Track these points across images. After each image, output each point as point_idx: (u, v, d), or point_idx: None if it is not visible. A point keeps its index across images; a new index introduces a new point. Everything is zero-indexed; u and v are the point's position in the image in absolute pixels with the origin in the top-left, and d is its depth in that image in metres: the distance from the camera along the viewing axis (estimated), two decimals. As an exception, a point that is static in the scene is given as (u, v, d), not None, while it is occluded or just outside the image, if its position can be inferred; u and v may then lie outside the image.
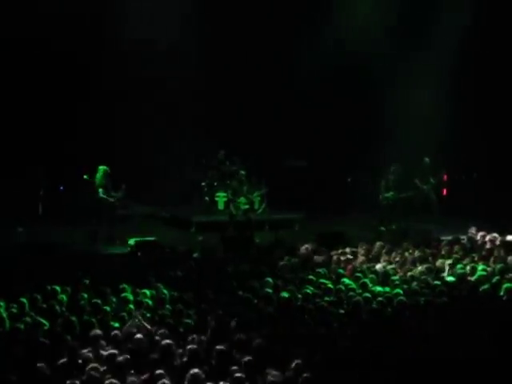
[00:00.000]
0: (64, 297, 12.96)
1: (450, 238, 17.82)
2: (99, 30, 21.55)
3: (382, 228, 19.56)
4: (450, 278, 14.47)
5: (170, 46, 22.31)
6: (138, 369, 10.20)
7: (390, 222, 20.12)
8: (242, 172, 20.79)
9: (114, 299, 13.04)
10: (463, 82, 22.92)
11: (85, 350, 10.62)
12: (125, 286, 13.47)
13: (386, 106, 23.38)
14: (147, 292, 13.35)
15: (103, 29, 21.62)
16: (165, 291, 13.37)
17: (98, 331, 11.15)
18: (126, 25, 21.63)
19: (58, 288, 13.25)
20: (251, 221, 20.18)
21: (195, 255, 16.31)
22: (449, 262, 15.43)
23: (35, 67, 21.22)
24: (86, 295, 13.07)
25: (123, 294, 13.09)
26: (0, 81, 20.99)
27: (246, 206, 20.48)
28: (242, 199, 20.46)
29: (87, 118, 21.92)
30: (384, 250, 16.40)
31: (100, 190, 18.72)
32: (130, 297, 13.02)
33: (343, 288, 13.76)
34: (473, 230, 18.16)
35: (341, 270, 14.98)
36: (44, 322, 11.63)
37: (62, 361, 10.30)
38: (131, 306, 12.55)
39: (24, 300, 12.44)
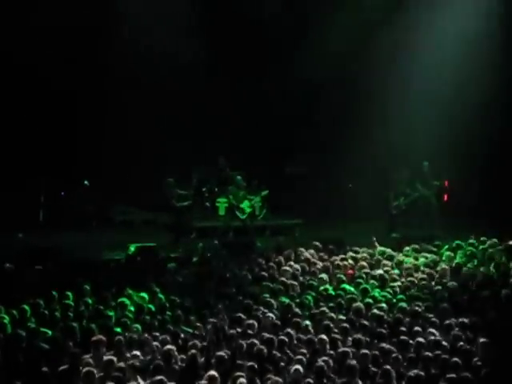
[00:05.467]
0: (66, 302, 12.95)
1: (451, 243, 17.79)
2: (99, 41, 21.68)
3: (394, 235, 19.48)
4: (452, 284, 14.43)
5: (172, 56, 22.35)
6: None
7: (396, 229, 20.06)
8: (238, 177, 20.77)
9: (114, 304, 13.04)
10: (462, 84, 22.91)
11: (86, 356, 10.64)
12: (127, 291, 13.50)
13: (384, 110, 23.38)
14: (146, 296, 13.34)
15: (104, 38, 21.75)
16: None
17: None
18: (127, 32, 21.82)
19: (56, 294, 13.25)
20: (248, 226, 20.20)
21: (194, 260, 16.27)
22: (451, 267, 15.43)
23: (32, 77, 21.20)
24: (89, 300, 13.07)
25: (122, 299, 13.09)
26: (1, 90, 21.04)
27: (250, 209, 20.49)
28: (246, 202, 20.46)
29: (88, 125, 21.93)
30: (385, 256, 16.38)
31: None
32: (129, 302, 13.03)
33: (343, 294, 13.77)
34: (473, 236, 18.12)
35: (341, 276, 14.96)
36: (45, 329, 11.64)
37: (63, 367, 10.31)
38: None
39: (26, 306, 12.43)
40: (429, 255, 16.57)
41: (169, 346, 10.85)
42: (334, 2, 23.04)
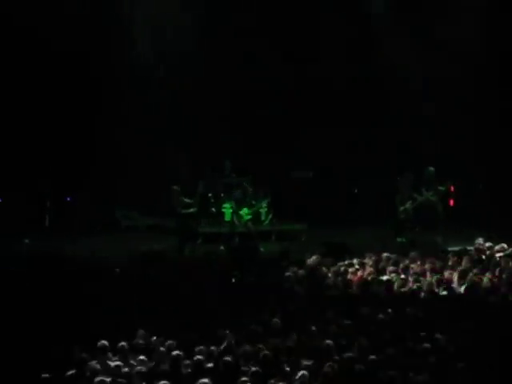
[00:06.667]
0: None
1: (457, 248, 17.75)
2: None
3: (401, 239, 19.44)
4: (460, 290, 14.41)
5: (176, 58, 22.41)
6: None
7: (402, 234, 20.03)
8: (246, 183, 20.80)
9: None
10: (468, 90, 22.90)
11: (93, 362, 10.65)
12: None
13: (390, 115, 23.38)
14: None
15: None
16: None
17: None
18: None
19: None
20: (251, 232, 20.21)
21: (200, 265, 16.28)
22: (457, 273, 15.38)
23: (41, 77, 21.26)
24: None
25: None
26: (6, 93, 21.07)
27: (249, 217, 20.50)
28: (245, 210, 20.48)
29: (94, 130, 21.97)
30: (391, 261, 16.33)
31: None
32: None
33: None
34: (480, 241, 18.04)
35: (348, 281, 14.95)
36: None
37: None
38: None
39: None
40: (435, 260, 16.53)
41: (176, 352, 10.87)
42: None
